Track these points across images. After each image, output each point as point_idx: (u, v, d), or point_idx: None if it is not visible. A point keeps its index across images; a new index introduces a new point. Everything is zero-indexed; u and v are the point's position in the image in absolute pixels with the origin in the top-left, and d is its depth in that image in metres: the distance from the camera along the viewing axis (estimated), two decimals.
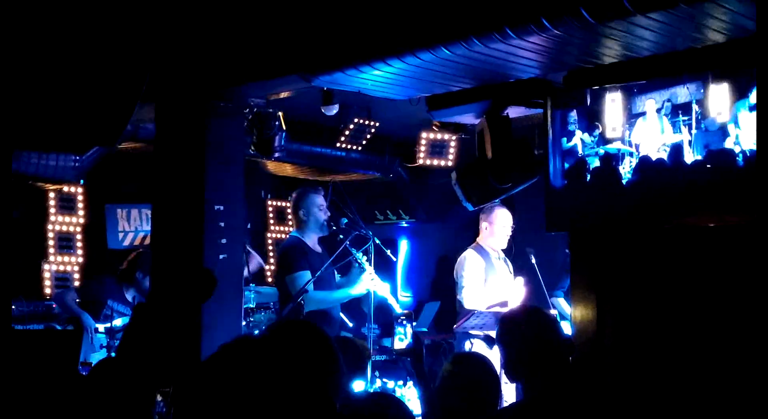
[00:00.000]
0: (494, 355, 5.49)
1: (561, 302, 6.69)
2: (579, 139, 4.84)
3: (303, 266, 5.60)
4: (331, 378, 2.05)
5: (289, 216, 9.78)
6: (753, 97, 4.17)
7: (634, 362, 4.68)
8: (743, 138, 4.20)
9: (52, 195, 7.77)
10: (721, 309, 4.35)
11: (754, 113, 4.17)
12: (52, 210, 7.83)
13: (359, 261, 5.64)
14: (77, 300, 6.21)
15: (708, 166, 4.32)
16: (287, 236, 9.50)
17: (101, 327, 6.06)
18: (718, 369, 4.33)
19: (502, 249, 6.21)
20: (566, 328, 4.76)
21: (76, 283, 7.51)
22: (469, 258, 6.03)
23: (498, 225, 6.06)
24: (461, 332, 5.90)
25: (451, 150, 8.08)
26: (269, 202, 9.67)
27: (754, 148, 4.17)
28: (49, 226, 7.80)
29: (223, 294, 5.34)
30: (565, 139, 4.87)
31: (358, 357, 3.88)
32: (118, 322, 5.91)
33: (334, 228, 5.74)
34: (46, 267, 7.72)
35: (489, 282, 6.02)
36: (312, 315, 5.52)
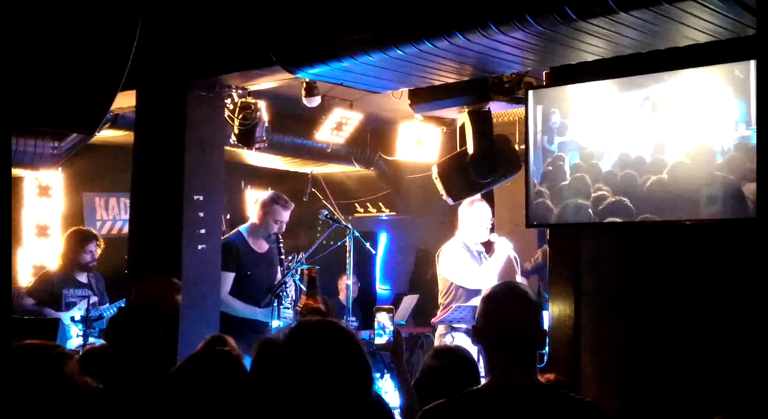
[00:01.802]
0: (475, 349, 5.51)
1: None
2: (560, 135, 4.85)
3: (228, 267, 5.65)
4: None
5: None
6: (732, 95, 4.21)
7: (610, 357, 4.71)
8: (723, 135, 4.24)
9: (28, 182, 7.69)
10: (700, 305, 4.39)
11: (733, 110, 4.21)
12: (29, 197, 7.76)
13: (288, 294, 5.70)
14: (33, 303, 6.18)
15: (687, 162, 4.35)
16: None
17: (77, 315, 6.02)
18: (696, 365, 4.37)
19: (480, 243, 6.23)
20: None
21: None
22: (454, 249, 6.06)
23: (476, 219, 6.08)
24: (443, 325, 5.91)
25: (433, 144, 8.08)
26: (248, 192, 9.64)
27: (732, 145, 4.21)
28: (26, 214, 7.73)
29: (200, 284, 5.36)
30: (546, 137, 4.89)
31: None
32: (83, 305, 5.88)
33: (281, 245, 5.81)
34: (21, 254, 7.65)
35: None
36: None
